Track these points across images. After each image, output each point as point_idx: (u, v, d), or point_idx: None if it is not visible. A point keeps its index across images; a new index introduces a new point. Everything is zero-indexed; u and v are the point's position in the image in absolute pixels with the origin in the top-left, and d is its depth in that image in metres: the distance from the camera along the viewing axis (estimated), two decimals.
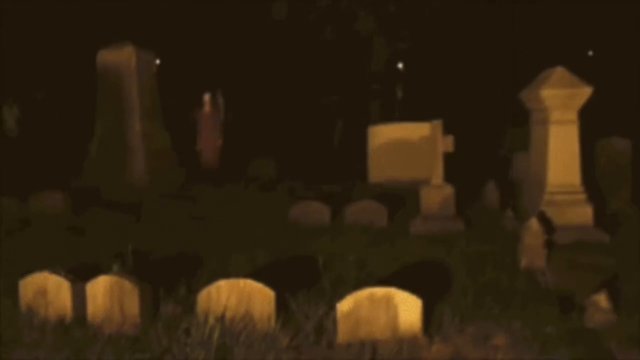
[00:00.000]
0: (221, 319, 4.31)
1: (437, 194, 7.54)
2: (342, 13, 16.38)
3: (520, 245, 5.95)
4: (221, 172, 12.19)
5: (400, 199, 9.18)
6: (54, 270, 4.85)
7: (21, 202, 9.43)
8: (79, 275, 5.10)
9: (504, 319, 4.40)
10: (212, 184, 11.14)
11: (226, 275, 5.78)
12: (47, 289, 4.80)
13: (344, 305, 4.16)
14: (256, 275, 5.65)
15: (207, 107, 12.60)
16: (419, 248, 6.62)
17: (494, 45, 19.50)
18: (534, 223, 5.96)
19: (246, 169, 13.15)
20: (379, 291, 4.14)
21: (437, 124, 7.53)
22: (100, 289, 4.62)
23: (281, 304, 4.56)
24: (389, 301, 4.12)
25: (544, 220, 6.43)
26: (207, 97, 12.61)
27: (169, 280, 5.48)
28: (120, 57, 11.15)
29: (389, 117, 16.63)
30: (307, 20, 16.66)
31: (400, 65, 23.37)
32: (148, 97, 11.55)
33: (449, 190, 7.54)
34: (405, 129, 11.02)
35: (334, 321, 4.23)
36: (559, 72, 7.17)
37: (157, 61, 29.42)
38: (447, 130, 7.77)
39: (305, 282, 5.33)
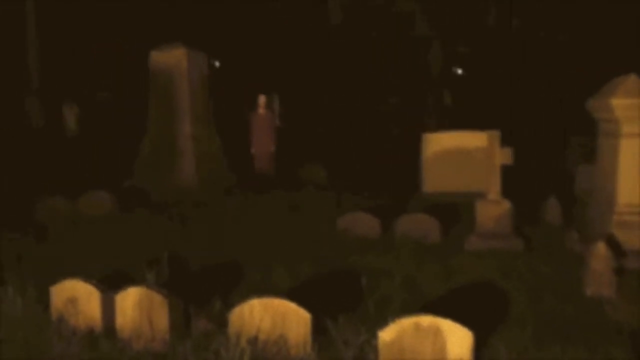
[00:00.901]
0: (254, 341, 4.00)
1: (494, 209, 7.04)
2: (399, 16, 15.97)
3: (586, 271, 5.43)
4: (273, 177, 11.91)
5: (455, 212, 8.70)
6: (86, 278, 4.66)
7: (70, 202, 9.41)
8: (113, 283, 4.92)
9: (567, 358, 3.93)
10: (262, 189, 10.91)
11: (266, 289, 5.53)
12: (78, 298, 4.61)
13: (387, 334, 3.78)
14: (296, 291, 5.36)
15: (261, 110, 12.27)
16: (473, 268, 6.16)
17: (557, 48, 18.67)
18: (601, 247, 5.43)
19: (297, 174, 12.87)
20: (426, 320, 3.75)
21: (495, 134, 7.04)
22: (130, 301, 4.39)
23: (319, 327, 4.22)
24: (436, 332, 3.72)
25: (613, 243, 5.88)
26: (262, 99, 12.25)
27: (205, 291, 5.23)
28: (171, 58, 11.06)
29: (441, 124, 16.07)
30: (362, 23, 16.30)
31: (459, 71, 22.76)
32: (199, 100, 11.43)
33: (506, 205, 7.03)
34: (461, 138, 10.50)
35: (376, 350, 3.86)
36: (633, 80, 6.59)
37: (217, 63, 29.70)
38: (505, 139, 7.27)
39: (348, 302, 4.98)
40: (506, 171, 7.29)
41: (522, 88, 18.84)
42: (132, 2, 24.72)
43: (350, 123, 19.18)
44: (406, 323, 3.78)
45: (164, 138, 11.27)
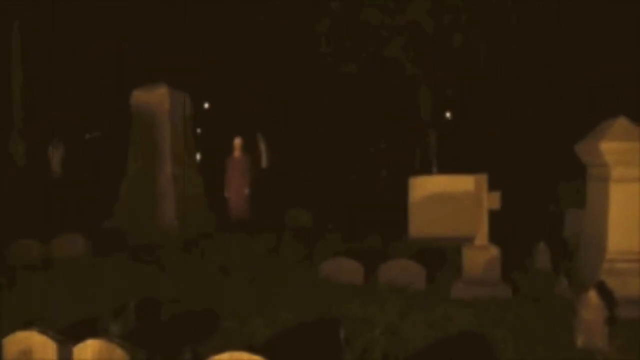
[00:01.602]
0: None
1: (482, 255, 6.79)
2: (388, 60, 15.97)
3: (577, 321, 5.16)
4: (253, 221, 11.58)
5: (442, 257, 8.45)
6: (42, 328, 4.32)
7: (43, 245, 9.07)
8: (76, 333, 4.58)
9: None
10: (243, 233, 10.61)
11: (242, 339, 5.22)
12: (33, 350, 4.26)
13: None
14: (273, 341, 5.06)
15: (237, 152, 11.96)
16: (459, 316, 5.87)
17: (544, 92, 18.73)
18: (592, 296, 5.17)
19: (282, 218, 12.59)
20: None
21: (482, 178, 6.84)
22: (89, 354, 4.06)
23: None
24: None
25: (604, 291, 5.64)
26: (237, 141, 11.97)
27: (176, 342, 4.91)
28: (153, 97, 10.89)
29: (428, 168, 15.92)
30: (349, 67, 16.29)
31: (447, 115, 22.80)
32: (181, 140, 11.23)
33: (494, 251, 6.78)
34: (448, 181, 10.32)
35: None
36: (621, 123, 6.45)
37: (206, 105, 29.52)
38: (492, 183, 7.07)
39: (327, 354, 4.67)
40: (494, 216, 7.07)
41: (511, 131, 18.84)
42: (122, 43, 24.77)
43: (337, 166, 19.03)
44: None
45: (145, 179, 11.01)
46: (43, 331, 4.30)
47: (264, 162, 19.07)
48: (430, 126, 17.53)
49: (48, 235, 9.31)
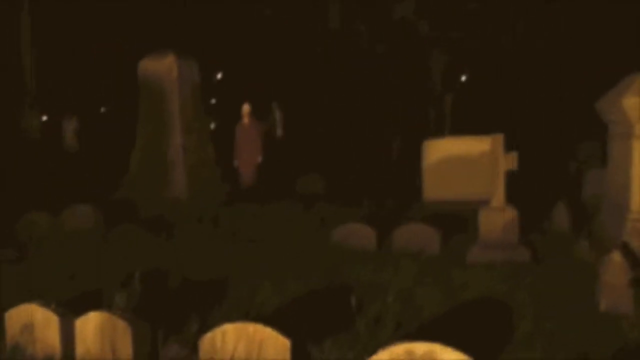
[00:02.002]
0: None
1: (498, 217, 6.56)
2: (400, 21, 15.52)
3: (599, 284, 4.94)
4: (263, 190, 11.36)
5: (457, 221, 8.22)
6: (43, 302, 4.20)
7: (53, 217, 8.98)
8: (78, 307, 4.46)
9: None
10: (255, 201, 10.46)
11: (250, 307, 5.08)
12: (35, 323, 4.16)
13: None
14: (282, 310, 4.91)
15: (245, 119, 11.48)
16: (475, 282, 5.68)
17: (563, 47, 18.14)
18: (616, 257, 4.94)
19: (295, 185, 12.42)
20: (420, 347, 3.26)
21: (498, 138, 6.57)
22: (91, 327, 3.93)
23: (302, 353, 3.76)
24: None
25: (628, 252, 5.38)
26: (246, 107, 11.49)
27: (183, 312, 4.77)
28: (161, 66, 10.64)
29: (442, 131, 15.57)
30: (361, 30, 15.88)
31: (463, 78, 22.33)
32: (191, 109, 11.00)
33: (511, 213, 6.54)
34: (463, 143, 10.03)
35: None
36: None
37: (219, 75, 29.24)
38: (509, 144, 6.81)
39: (338, 322, 4.51)
40: (511, 177, 6.82)
41: (527, 90, 18.35)
42: (136, 15, 24.45)
43: (351, 131, 18.74)
44: (398, 350, 3.30)
45: (154, 149, 10.84)
46: (45, 304, 4.18)
47: (279, 131, 18.82)
48: (445, 90, 17.12)
49: (59, 207, 9.22)
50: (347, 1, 15.76)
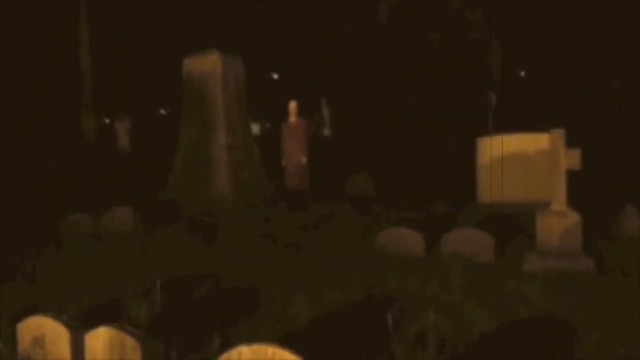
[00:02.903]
0: None
1: (559, 222, 5.95)
2: (454, 13, 14.85)
3: None
4: (311, 191, 10.91)
5: (513, 225, 7.64)
6: (55, 314, 3.91)
7: (94, 219, 8.85)
8: (99, 315, 4.17)
9: None
10: (300, 202, 10.10)
11: (280, 320, 4.68)
12: (46, 336, 3.87)
13: None
14: (315, 325, 4.50)
15: (292, 118, 10.95)
16: (532, 295, 5.11)
17: (631, 38, 17.02)
18: None
19: (343, 185, 11.99)
20: None
21: (559, 134, 5.96)
22: (100, 343, 3.61)
23: None
24: None
25: None
26: (292, 105, 10.95)
27: (208, 325, 4.42)
28: (205, 64, 10.42)
29: (497, 127, 14.77)
30: (415, 24, 15.27)
31: (522, 73, 21.42)
32: (235, 107, 10.75)
33: (574, 218, 5.92)
34: (521, 140, 9.37)
35: None
36: None
37: (275, 76, 29.09)
38: (571, 140, 6.19)
39: (375, 341, 4.06)
40: (573, 177, 6.21)
41: (591, 83, 17.32)
42: (192, 17, 24.54)
43: (403, 128, 18.16)
44: None
45: (198, 148, 10.64)
46: (56, 316, 3.88)
47: (327, 130, 18.46)
48: (494, 86, 16.28)
49: (105, 208, 9.10)
50: None
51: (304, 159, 10.85)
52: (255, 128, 27.21)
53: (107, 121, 25.36)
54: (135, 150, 22.38)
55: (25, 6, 21.28)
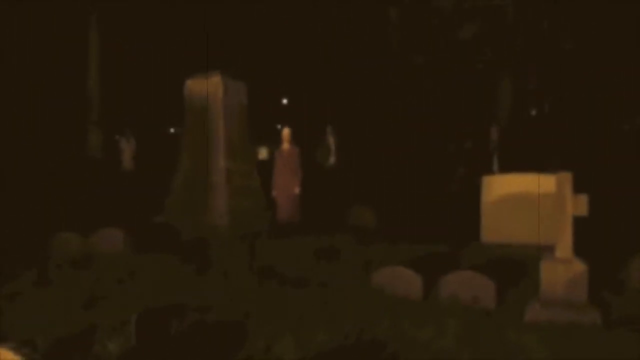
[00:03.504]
0: None
1: (564, 271, 5.64)
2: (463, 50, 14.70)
3: None
4: (301, 225, 10.44)
5: (517, 269, 7.32)
6: (15, 346, 3.62)
7: (84, 238, 8.60)
8: (71, 347, 3.88)
9: None
10: (298, 233, 9.80)
11: None
12: None
13: None
14: None
15: (285, 145, 10.49)
16: (533, 347, 4.80)
17: None
18: None
19: (343, 217, 11.67)
20: None
21: (566, 177, 5.68)
22: None
23: None
24: None
25: None
26: (286, 131, 10.51)
27: None
28: (207, 87, 10.23)
29: (502, 165, 14.47)
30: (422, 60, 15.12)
31: (533, 112, 21.23)
32: (236, 132, 10.53)
33: (579, 267, 5.61)
34: (527, 181, 9.09)
35: None
36: None
37: (285, 101, 29.02)
38: (577, 185, 5.91)
39: None
40: (579, 223, 5.91)
41: (604, 126, 17.07)
42: (199, 40, 24.56)
43: (409, 160, 17.90)
44: None
45: (197, 172, 10.40)
46: (16, 349, 3.59)
47: (332, 158, 18.21)
48: (500, 122, 16.01)
49: (99, 228, 8.85)
50: (408, 29, 15.11)
51: (297, 190, 10.38)
52: (263, 152, 27.04)
53: (118, 138, 25.22)
54: (139, 169, 22.17)
55: (34, 21, 21.32)
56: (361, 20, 17.84)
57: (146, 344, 4.32)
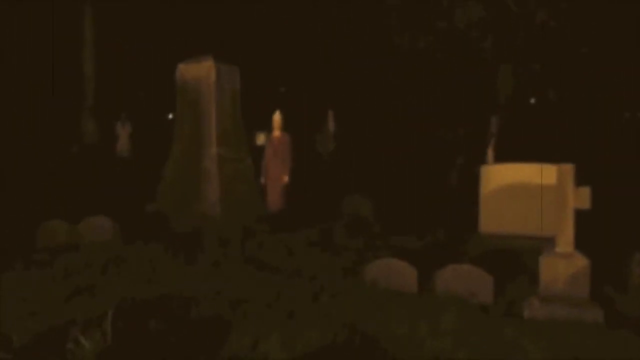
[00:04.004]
0: None
1: (565, 265, 5.41)
2: (463, 37, 14.38)
3: None
4: (288, 215, 10.21)
5: (515, 262, 7.11)
6: None
7: (72, 226, 8.35)
8: (44, 345, 3.66)
9: None
10: (291, 222, 9.56)
11: None
12: None
13: None
14: None
15: (276, 132, 10.07)
16: (533, 346, 4.57)
17: None
18: None
19: (338, 206, 11.44)
20: None
21: (567, 169, 5.44)
22: None
23: None
24: None
25: None
26: (276, 117, 10.06)
27: None
28: (199, 71, 9.95)
29: (508, 154, 14.16)
30: (423, 45, 14.81)
31: (532, 100, 20.93)
32: (229, 118, 10.26)
33: (581, 261, 5.38)
34: (525, 170, 8.84)
35: None
36: None
37: (283, 89, 28.61)
38: (580, 176, 5.67)
39: None
40: (580, 215, 5.68)
41: (607, 115, 16.78)
42: (201, 25, 24.17)
43: (407, 149, 17.64)
44: None
45: (188, 159, 10.15)
46: None
47: (330, 144, 17.92)
48: (500, 111, 15.68)
49: (89, 215, 8.61)
50: (406, 13, 14.80)
51: (285, 178, 10.05)
52: (262, 137, 26.72)
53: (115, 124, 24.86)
54: (135, 155, 21.88)
55: (27, 7, 20.95)
56: (361, 9, 17.50)
57: (123, 341, 4.09)
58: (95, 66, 22.94)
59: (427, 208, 11.80)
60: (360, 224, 9.97)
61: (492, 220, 9.06)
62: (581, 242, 5.66)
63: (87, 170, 17.25)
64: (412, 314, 5.25)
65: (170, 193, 10.30)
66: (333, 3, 18.23)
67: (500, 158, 13.41)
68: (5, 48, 21.71)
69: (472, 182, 11.15)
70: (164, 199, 10.35)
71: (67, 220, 8.41)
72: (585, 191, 5.42)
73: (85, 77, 23.11)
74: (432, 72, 16.56)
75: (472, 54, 14.65)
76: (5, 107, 22.17)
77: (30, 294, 5.62)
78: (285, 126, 10.46)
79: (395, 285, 6.17)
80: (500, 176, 9.08)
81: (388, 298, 5.75)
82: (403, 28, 14.84)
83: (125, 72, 26.10)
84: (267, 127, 10.07)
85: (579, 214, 5.57)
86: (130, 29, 23.92)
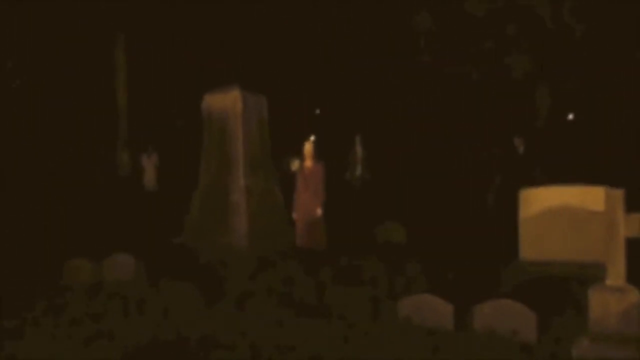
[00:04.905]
0: None
1: (616, 301, 4.94)
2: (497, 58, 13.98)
3: None
4: (335, 242, 9.60)
5: (559, 292, 6.63)
6: None
7: (96, 264, 8.18)
8: None
9: None
10: (321, 253, 9.21)
11: None
12: None
13: None
14: None
15: (307, 162, 9.29)
16: None
17: None
18: None
19: (371, 235, 11.02)
20: None
21: (617, 194, 4.99)
22: None
23: None
24: None
25: None
26: (308, 146, 9.30)
27: None
28: (225, 102, 9.78)
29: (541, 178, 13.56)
30: (455, 66, 14.44)
31: (570, 116, 20.32)
32: (257, 148, 10.05)
33: (634, 296, 4.91)
34: (569, 194, 8.34)
35: None
36: None
37: (317, 111, 28.28)
38: (630, 202, 5.21)
39: None
40: (633, 245, 5.21)
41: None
42: (223, 55, 24.25)
43: (442, 176, 17.18)
44: None
45: (216, 190, 9.94)
46: None
47: (359, 171, 17.50)
48: (538, 132, 15.15)
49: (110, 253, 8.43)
50: (439, 37, 14.51)
51: (319, 211, 9.17)
52: (296, 164, 26.49)
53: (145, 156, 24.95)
54: (163, 187, 21.77)
55: (61, 38, 21.26)
56: (388, 25, 17.27)
57: None
58: (128, 98, 23.15)
59: (463, 232, 11.32)
60: (393, 254, 9.56)
61: (532, 246, 8.56)
62: (635, 275, 5.18)
63: (115, 203, 17.23)
64: (448, 354, 4.85)
65: (197, 225, 10.10)
66: (365, 29, 18.03)
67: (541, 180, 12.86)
68: (38, 77, 22.06)
69: (510, 204, 10.66)
70: (191, 232, 10.15)
71: (93, 255, 8.27)
72: (637, 218, 4.96)
73: (119, 106, 23.28)
74: (466, 93, 16.18)
75: (505, 74, 14.24)
76: (40, 135, 22.43)
77: (52, 337, 5.42)
78: (316, 151, 9.92)
79: (431, 322, 5.77)
80: (541, 199, 8.60)
81: (423, 335, 5.37)
82: (435, 52, 14.56)
83: (154, 102, 26.24)
84: (301, 153, 9.60)
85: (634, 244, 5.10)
86: (158, 60, 24.08)
